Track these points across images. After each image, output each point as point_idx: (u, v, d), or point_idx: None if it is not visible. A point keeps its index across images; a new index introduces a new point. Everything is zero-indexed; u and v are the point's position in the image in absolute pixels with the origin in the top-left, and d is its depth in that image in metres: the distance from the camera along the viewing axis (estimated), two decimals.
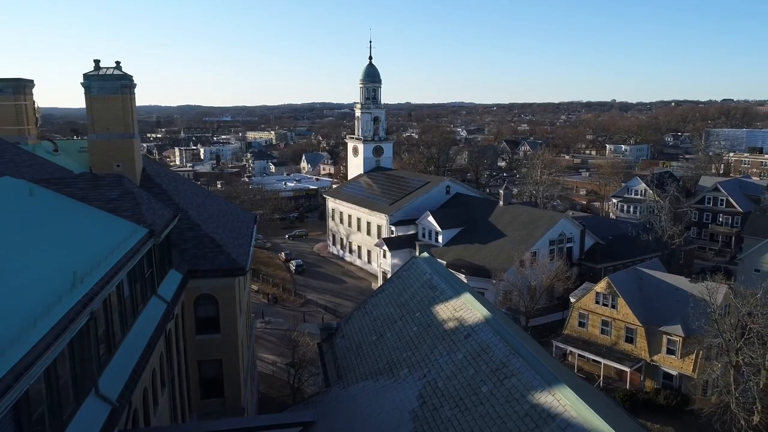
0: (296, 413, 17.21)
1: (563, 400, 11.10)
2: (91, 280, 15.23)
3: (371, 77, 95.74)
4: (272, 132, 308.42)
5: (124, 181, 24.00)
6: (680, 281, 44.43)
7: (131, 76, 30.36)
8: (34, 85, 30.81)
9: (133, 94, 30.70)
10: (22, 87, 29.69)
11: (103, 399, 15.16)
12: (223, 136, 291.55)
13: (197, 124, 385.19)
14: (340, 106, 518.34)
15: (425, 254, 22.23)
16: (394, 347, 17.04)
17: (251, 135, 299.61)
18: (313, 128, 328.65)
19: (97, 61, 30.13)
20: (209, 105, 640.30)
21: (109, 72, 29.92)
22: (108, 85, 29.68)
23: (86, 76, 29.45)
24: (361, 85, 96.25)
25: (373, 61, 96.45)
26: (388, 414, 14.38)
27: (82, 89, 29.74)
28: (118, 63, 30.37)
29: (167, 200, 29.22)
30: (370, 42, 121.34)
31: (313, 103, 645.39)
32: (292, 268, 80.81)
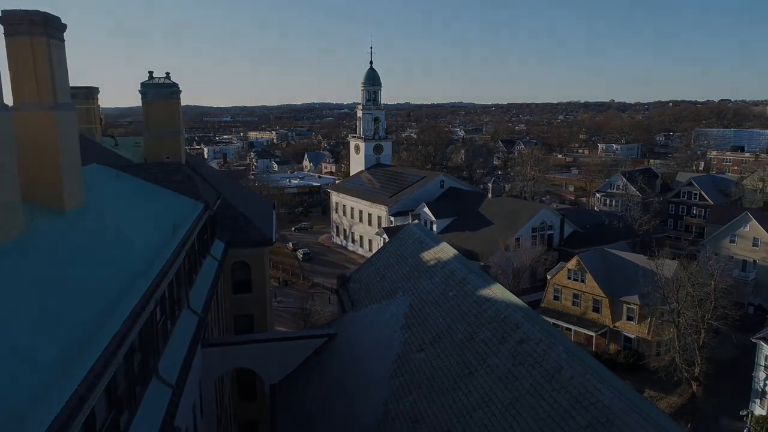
0: (322, 328, 24.12)
1: (496, 291, 18.07)
2: (181, 231, 22.22)
3: (372, 80, 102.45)
4: (273, 132, 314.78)
5: (183, 168, 30.99)
6: (639, 259, 51.39)
7: (178, 84, 37.20)
8: (99, 91, 37.68)
9: (179, 99, 37.54)
10: (91, 93, 36.61)
11: (192, 312, 22.13)
12: (225, 136, 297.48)
13: (198, 124, 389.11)
14: (339, 107, 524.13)
15: (416, 221, 29.23)
16: (393, 281, 23.98)
17: (253, 135, 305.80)
18: (313, 128, 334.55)
19: (150, 72, 36.98)
20: (209, 105, 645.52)
21: (161, 81, 36.78)
22: (160, 92, 36.45)
23: (143, 84, 36.21)
24: (362, 88, 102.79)
25: (374, 66, 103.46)
26: (388, 319, 21.34)
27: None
28: (167, 73, 37.18)
29: (209, 185, 36.17)
30: (371, 47, 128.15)
31: (313, 103, 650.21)
32: (300, 256, 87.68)
